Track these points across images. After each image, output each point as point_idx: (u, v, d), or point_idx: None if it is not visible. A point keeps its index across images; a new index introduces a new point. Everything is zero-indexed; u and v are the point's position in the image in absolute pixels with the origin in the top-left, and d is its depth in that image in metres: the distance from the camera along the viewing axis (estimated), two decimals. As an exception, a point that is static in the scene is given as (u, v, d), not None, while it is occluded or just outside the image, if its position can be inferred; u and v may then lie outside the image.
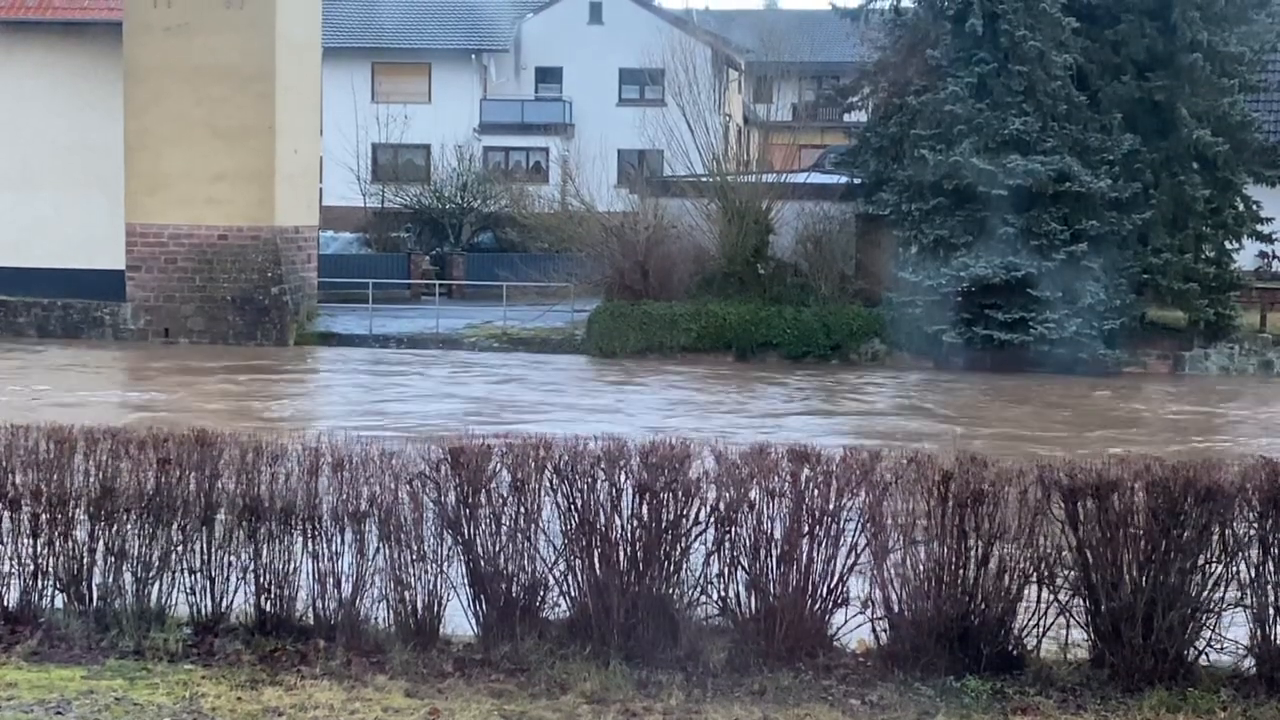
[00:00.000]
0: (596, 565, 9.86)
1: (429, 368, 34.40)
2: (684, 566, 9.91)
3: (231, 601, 10.29)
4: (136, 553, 10.21)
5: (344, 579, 10.06)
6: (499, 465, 9.96)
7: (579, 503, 9.85)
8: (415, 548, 10.00)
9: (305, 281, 39.99)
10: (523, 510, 9.93)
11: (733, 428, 24.58)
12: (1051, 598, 9.84)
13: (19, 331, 38.20)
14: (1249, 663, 9.75)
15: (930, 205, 35.09)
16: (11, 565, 10.31)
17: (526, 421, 24.23)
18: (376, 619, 10.08)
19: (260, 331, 37.65)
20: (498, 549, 9.96)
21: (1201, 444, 24.62)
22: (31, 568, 10.28)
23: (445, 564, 10.04)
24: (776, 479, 9.84)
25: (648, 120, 43.77)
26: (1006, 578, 9.76)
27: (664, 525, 9.82)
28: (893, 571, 9.83)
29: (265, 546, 10.15)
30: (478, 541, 9.95)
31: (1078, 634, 9.92)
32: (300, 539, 10.12)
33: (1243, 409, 31.28)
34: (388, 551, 10.01)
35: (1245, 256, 38.34)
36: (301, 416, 26.35)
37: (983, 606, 9.75)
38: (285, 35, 37.96)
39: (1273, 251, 39.81)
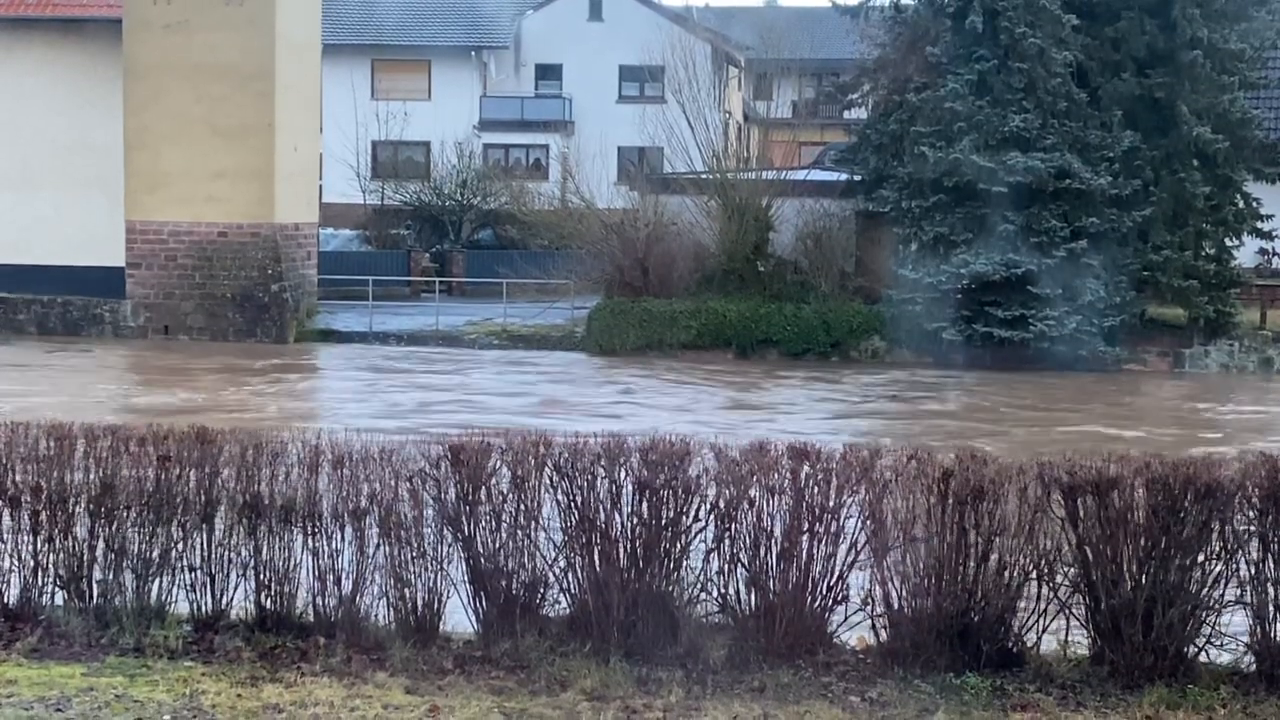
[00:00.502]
0: (596, 562, 9.87)
1: (479, 367, 33.92)
2: (684, 564, 9.92)
3: (232, 599, 10.29)
4: (137, 550, 10.22)
5: (344, 576, 10.06)
6: (499, 462, 9.96)
7: (579, 500, 9.85)
8: (415, 545, 10.01)
9: (305, 279, 39.99)
10: (523, 507, 9.93)
11: (817, 430, 24.25)
12: (1051, 595, 9.84)
13: (19, 329, 38.22)
14: (1249, 660, 9.75)
15: (930, 202, 35.09)
16: (12, 562, 10.31)
17: (618, 419, 24.29)
18: (377, 616, 10.08)
19: (260, 329, 37.66)
20: (498, 546, 9.97)
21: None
22: (32, 565, 10.28)
23: (445, 561, 10.04)
24: (776, 476, 9.85)
25: (648, 117, 43.80)
26: (1006, 575, 9.76)
27: (664, 522, 9.82)
28: (893, 569, 9.83)
29: (265, 544, 10.15)
30: (478, 539, 9.96)
31: (1078, 631, 9.92)
32: (300, 536, 10.13)
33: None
34: (388, 549, 10.01)
35: (1245, 253, 38.34)
36: (390, 414, 25.77)
37: (983, 604, 9.75)
38: (285, 33, 37.96)
39: (1273, 249, 39.82)
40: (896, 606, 9.83)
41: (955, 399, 30.73)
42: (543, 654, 9.66)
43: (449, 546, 10.02)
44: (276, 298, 37.84)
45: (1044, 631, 9.89)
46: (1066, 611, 9.87)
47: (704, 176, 39.26)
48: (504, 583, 9.95)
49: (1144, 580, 9.55)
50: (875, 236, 37.18)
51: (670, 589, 9.89)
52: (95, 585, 10.27)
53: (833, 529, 9.83)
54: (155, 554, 10.22)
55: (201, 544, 10.23)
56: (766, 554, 9.84)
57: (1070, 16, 35.00)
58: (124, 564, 10.21)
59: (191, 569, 10.27)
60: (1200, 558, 9.62)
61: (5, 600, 10.31)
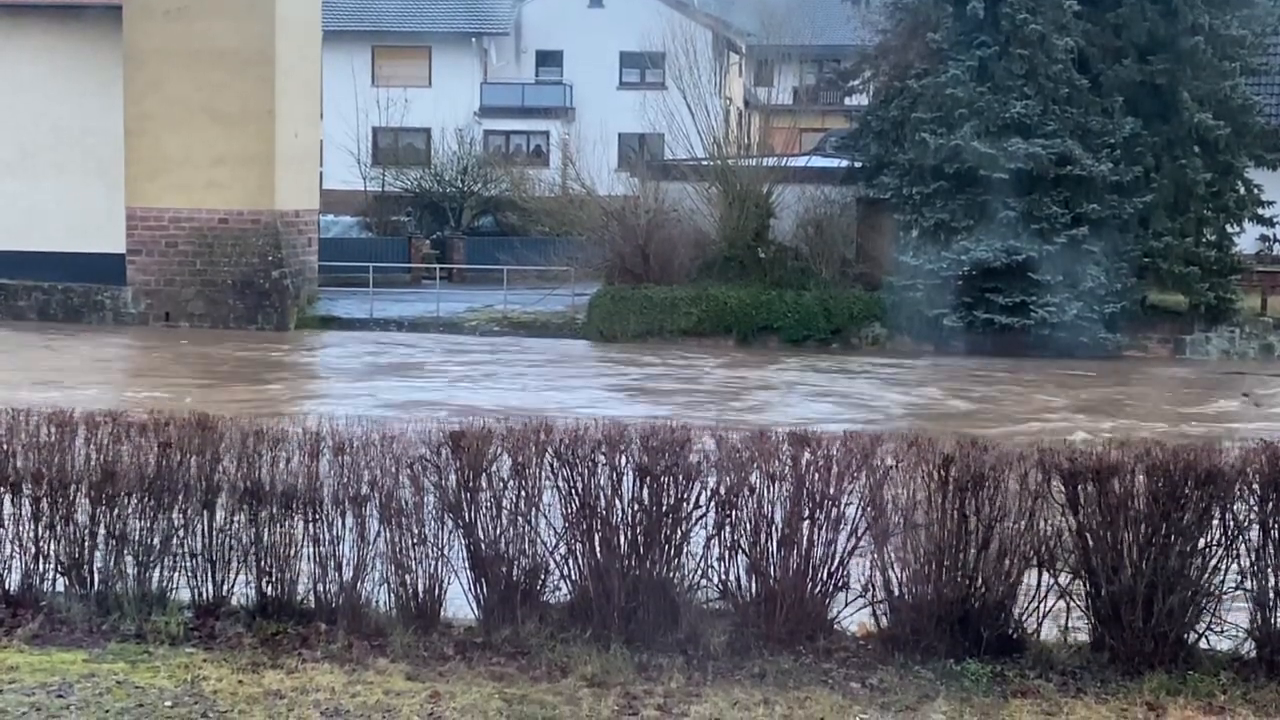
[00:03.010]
0: (597, 549, 9.87)
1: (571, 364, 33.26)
2: (684, 550, 9.92)
3: (233, 585, 10.30)
4: (138, 536, 10.22)
5: (345, 563, 10.07)
6: (500, 449, 9.97)
7: (580, 486, 9.85)
8: (416, 531, 10.01)
9: (305, 265, 39.99)
10: (523, 494, 9.93)
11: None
12: (1051, 581, 9.85)
13: (19, 315, 38.20)
14: (1249, 646, 9.76)
15: (931, 189, 35.06)
16: (13, 548, 10.32)
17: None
18: (377, 602, 10.09)
19: (261, 315, 37.65)
20: (498, 532, 9.97)
21: None
22: (33, 551, 10.29)
23: (446, 548, 10.05)
24: (777, 463, 9.85)
25: (648, 104, 43.74)
26: (1006, 561, 9.77)
27: (664, 509, 9.82)
28: (893, 555, 9.84)
29: (266, 530, 10.16)
30: (478, 525, 9.96)
31: (1078, 617, 9.93)
32: (301, 523, 10.13)
33: None
34: (389, 535, 10.01)
35: (1246, 240, 38.32)
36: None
37: (983, 590, 9.76)
38: (285, 18, 37.91)
39: (1274, 235, 39.76)
40: (897, 593, 9.84)
41: (1072, 394, 29.17)
42: (543, 640, 9.67)
43: (450, 533, 10.03)
44: (277, 284, 37.83)
45: (1044, 618, 9.89)
46: (1067, 598, 9.88)
47: (705, 163, 39.23)
48: (505, 569, 9.96)
49: (1144, 567, 9.55)
50: (876, 223, 37.16)
51: (671, 575, 9.89)
52: (96, 572, 10.29)
53: (833, 515, 9.84)
54: (156, 540, 10.23)
55: (202, 530, 10.24)
56: (767, 540, 9.85)
57: (1071, 2, 34.95)
58: (125, 550, 10.22)
59: (193, 555, 10.28)
60: (1200, 544, 9.62)
61: (7, 587, 10.32)
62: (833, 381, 30.68)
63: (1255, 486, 9.61)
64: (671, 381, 30.47)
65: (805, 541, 9.83)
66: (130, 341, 35.59)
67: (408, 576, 10.02)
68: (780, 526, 9.83)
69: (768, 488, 9.83)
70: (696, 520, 9.90)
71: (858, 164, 37.79)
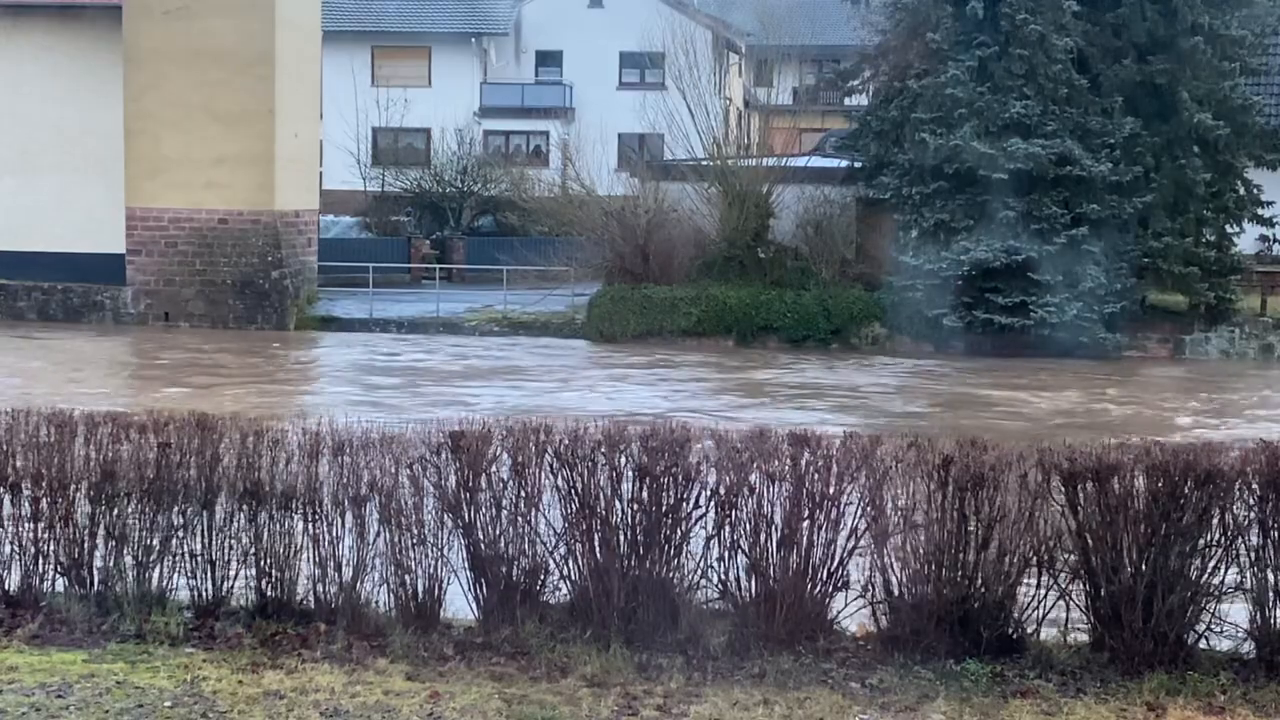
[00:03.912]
0: (597, 549, 9.87)
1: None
2: (684, 550, 9.92)
3: (232, 585, 10.30)
4: (137, 536, 10.22)
5: (345, 563, 10.07)
6: (499, 449, 9.97)
7: (579, 486, 9.85)
8: (415, 531, 10.01)
9: (305, 265, 39.98)
10: (523, 494, 9.93)
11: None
12: (1051, 581, 9.85)
13: (19, 315, 38.21)
14: (1248, 646, 9.76)
15: (931, 189, 35.07)
16: (13, 549, 10.32)
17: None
18: (377, 602, 10.08)
19: (261, 315, 37.66)
20: (498, 533, 9.97)
21: None
22: (32, 551, 10.29)
23: (446, 548, 10.05)
24: (776, 463, 9.85)
25: (648, 104, 43.75)
26: (1006, 561, 9.76)
27: (664, 509, 9.82)
28: (893, 555, 9.84)
29: (266, 530, 10.16)
30: (478, 525, 9.96)
31: (1077, 617, 9.93)
32: (301, 523, 10.13)
33: None
34: (388, 535, 10.01)
35: (1246, 240, 38.34)
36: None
37: (982, 590, 9.76)
38: (285, 18, 37.92)
39: (1273, 235, 39.79)
40: (896, 593, 9.84)
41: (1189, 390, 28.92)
42: (543, 640, 9.67)
43: (449, 533, 10.03)
44: (277, 285, 37.82)
45: (1044, 618, 9.89)
46: (1066, 598, 9.88)
47: (704, 163, 39.22)
48: (504, 569, 9.96)
49: (1144, 567, 9.55)
50: (876, 223, 37.16)
51: (671, 575, 9.89)
52: (96, 572, 10.28)
53: (833, 516, 9.83)
54: (156, 540, 10.22)
55: (202, 530, 10.24)
56: (767, 541, 9.84)
57: (1071, 2, 34.96)
58: (125, 550, 10.22)
59: (192, 555, 10.28)
60: (1200, 544, 9.62)
61: (6, 587, 10.31)
62: (951, 384, 30.50)
63: (1255, 486, 9.61)
64: (783, 387, 30.23)
65: (805, 541, 9.83)
66: (172, 343, 35.32)
67: (407, 577, 10.02)
68: (780, 526, 9.83)
69: (767, 488, 9.83)
70: (696, 520, 9.90)
71: (857, 164, 37.79)
